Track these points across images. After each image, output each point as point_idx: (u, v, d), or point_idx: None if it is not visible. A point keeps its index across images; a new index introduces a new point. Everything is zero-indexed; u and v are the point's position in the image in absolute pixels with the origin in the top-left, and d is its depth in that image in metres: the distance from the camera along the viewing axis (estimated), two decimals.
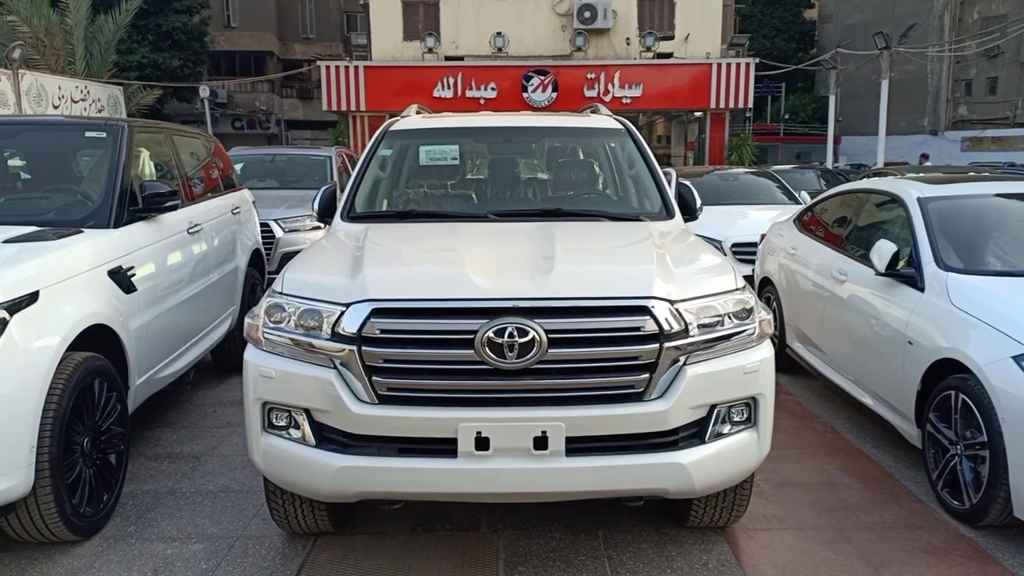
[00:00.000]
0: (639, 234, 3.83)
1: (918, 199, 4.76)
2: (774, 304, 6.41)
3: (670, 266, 3.22)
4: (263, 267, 7.00)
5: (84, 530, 3.57)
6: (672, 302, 2.95)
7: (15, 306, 3.27)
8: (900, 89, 32.26)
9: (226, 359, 6.12)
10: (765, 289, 6.69)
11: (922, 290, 4.32)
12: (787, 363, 6.13)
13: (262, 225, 7.35)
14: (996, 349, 3.68)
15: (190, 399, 5.70)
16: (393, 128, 4.91)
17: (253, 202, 6.99)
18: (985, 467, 3.65)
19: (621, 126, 4.94)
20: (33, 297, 3.38)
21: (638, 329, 2.89)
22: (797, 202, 9.58)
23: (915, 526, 3.80)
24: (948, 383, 3.93)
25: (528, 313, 2.85)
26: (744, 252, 8.11)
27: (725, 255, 5.28)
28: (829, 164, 23.37)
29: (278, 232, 8.93)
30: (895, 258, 4.49)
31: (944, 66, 36.28)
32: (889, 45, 20.83)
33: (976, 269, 4.29)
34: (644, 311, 2.90)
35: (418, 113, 5.34)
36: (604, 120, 5.10)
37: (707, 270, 3.39)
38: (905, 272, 4.48)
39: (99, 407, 3.72)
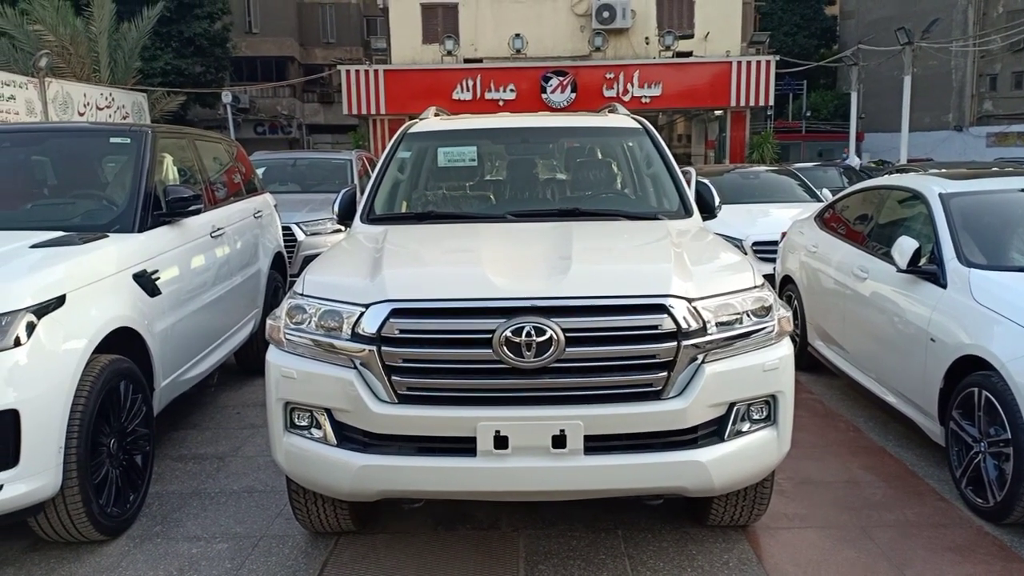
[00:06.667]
0: (657, 233, 3.83)
1: (940, 195, 4.71)
2: (795, 302, 6.37)
3: (688, 264, 3.22)
4: (285, 270, 7.07)
5: (111, 530, 3.62)
6: (690, 300, 2.95)
7: (42, 309, 3.33)
8: (923, 85, 31.91)
9: (249, 361, 6.18)
10: (786, 287, 6.65)
11: (944, 286, 4.28)
12: (809, 362, 6.10)
13: (284, 228, 7.42)
14: (1019, 345, 3.65)
15: (214, 401, 5.77)
16: (412, 130, 4.94)
17: (275, 206, 7.06)
18: (1009, 465, 3.61)
19: (639, 125, 4.94)
20: (60, 301, 3.43)
21: (656, 327, 2.89)
22: (818, 200, 9.51)
23: (938, 524, 3.76)
24: (971, 380, 3.89)
25: (546, 312, 2.86)
26: (765, 250, 8.07)
27: (745, 254, 5.25)
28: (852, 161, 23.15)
29: (299, 235, 9.01)
30: (917, 254, 4.45)
31: (968, 61, 35.84)
32: (911, 40, 20.66)
33: (999, 265, 4.24)
34: (662, 309, 2.91)
35: (436, 115, 5.36)
36: (622, 119, 5.10)
37: (725, 268, 3.39)
38: (927, 268, 4.44)
39: (125, 409, 3.78)
